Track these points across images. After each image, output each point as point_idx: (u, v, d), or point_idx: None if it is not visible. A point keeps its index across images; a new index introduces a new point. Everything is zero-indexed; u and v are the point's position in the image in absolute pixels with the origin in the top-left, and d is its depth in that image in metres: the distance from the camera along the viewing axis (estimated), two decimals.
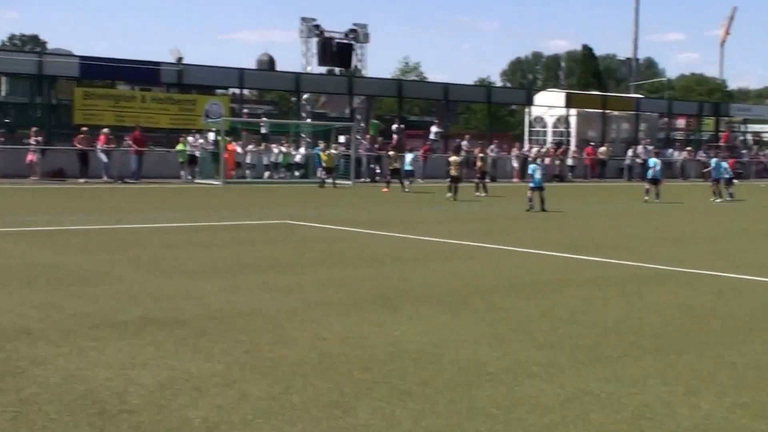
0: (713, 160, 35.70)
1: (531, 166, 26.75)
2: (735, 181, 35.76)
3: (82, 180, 34.33)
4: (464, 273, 12.88)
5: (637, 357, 8.09)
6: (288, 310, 9.68)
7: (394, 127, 47.96)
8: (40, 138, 35.54)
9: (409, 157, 35.97)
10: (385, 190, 34.09)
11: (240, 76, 42.94)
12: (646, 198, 31.66)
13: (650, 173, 32.46)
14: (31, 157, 34.59)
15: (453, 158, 31.40)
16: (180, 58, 40.94)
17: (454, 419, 6.18)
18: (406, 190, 34.10)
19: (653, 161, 33.15)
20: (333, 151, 38.69)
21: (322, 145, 38.78)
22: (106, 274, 11.76)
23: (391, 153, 36.10)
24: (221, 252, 14.32)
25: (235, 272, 12.19)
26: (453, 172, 30.54)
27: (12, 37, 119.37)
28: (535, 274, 13.11)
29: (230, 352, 7.79)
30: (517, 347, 8.29)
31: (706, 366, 7.83)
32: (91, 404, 6.23)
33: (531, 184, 25.65)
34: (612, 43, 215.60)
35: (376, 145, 42.64)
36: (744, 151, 61.87)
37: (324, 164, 36.88)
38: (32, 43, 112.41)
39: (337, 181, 39.51)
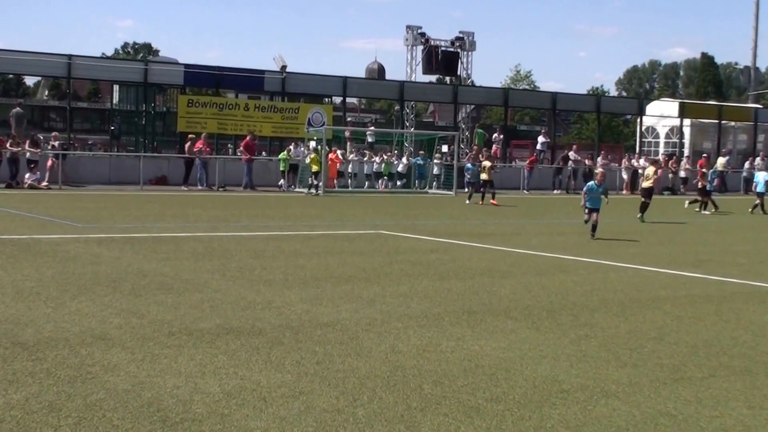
0: None
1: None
2: None
3: (185, 187, 34.62)
4: (554, 287, 12.58)
5: (723, 378, 7.75)
6: (367, 322, 9.57)
7: (494, 136, 47.31)
8: (57, 143, 34.54)
9: (470, 168, 34.39)
10: (481, 203, 31.66)
11: (343, 84, 43.02)
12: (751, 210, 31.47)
13: (760, 187, 32.04)
14: (49, 162, 33.34)
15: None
16: (284, 66, 41.04)
17: None
18: (467, 201, 32.25)
19: (759, 175, 32.73)
20: (303, 152, 37.32)
21: (310, 147, 37.29)
22: (190, 281, 11.84)
23: (486, 163, 33.25)
24: (309, 261, 14.29)
25: (319, 282, 12.14)
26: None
27: (125, 46, 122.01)
28: (629, 289, 12.72)
29: (302, 362, 7.72)
30: (597, 365, 8.03)
31: None
32: (155, 412, 6.24)
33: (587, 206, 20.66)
34: (735, 50, 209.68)
35: (481, 156, 42.14)
36: None
37: (312, 169, 35.39)
38: (145, 51, 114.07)
39: (437, 191, 39.26)
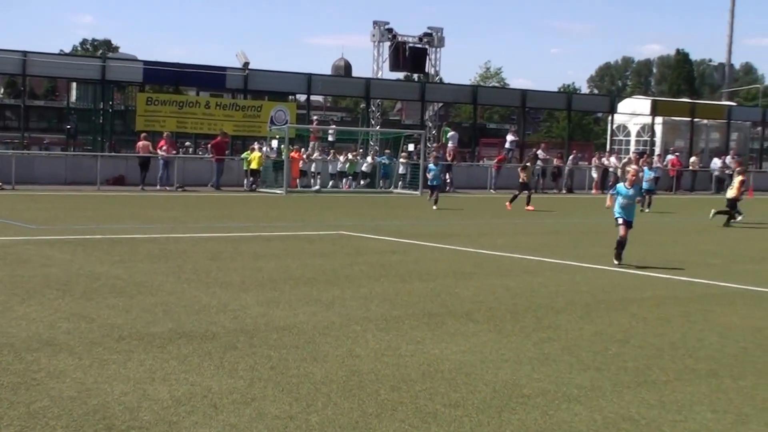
0: None
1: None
2: None
3: (140, 188, 33.54)
4: (519, 289, 12.40)
5: (688, 381, 7.61)
6: (325, 325, 9.34)
7: (450, 134, 44.65)
8: None
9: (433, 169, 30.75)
10: (529, 208, 29.74)
11: (308, 81, 42.44)
12: None
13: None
14: None
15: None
16: (246, 63, 40.37)
17: None
18: (434, 207, 28.91)
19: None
20: (266, 152, 37.09)
21: (256, 145, 36.88)
22: (144, 284, 11.54)
23: (528, 164, 32.11)
24: (268, 263, 14.00)
25: (277, 284, 11.87)
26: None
27: (84, 42, 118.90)
28: (595, 291, 12.57)
29: (255, 367, 7.50)
30: (560, 368, 7.85)
31: (761, 393, 7.34)
32: (100, 419, 6.03)
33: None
34: (710, 47, 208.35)
35: (447, 154, 41.66)
36: None
37: (250, 167, 35.48)
38: (104, 48, 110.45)
39: (403, 191, 38.95)
